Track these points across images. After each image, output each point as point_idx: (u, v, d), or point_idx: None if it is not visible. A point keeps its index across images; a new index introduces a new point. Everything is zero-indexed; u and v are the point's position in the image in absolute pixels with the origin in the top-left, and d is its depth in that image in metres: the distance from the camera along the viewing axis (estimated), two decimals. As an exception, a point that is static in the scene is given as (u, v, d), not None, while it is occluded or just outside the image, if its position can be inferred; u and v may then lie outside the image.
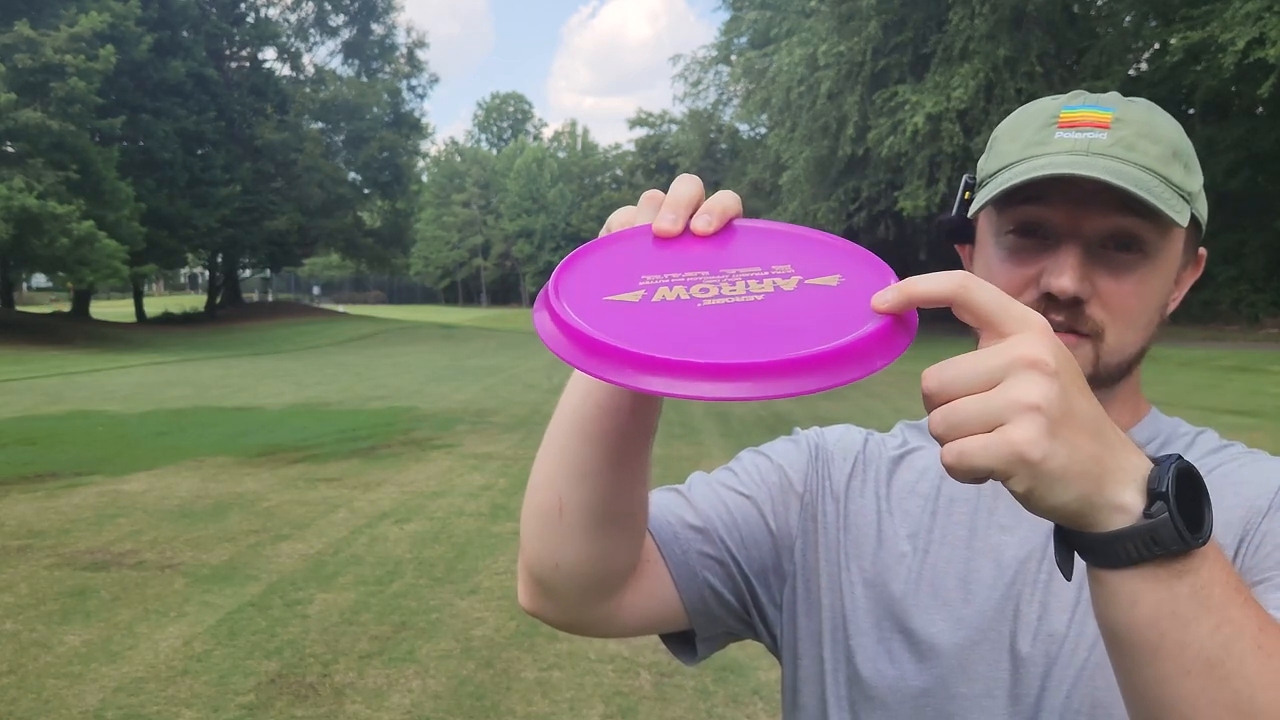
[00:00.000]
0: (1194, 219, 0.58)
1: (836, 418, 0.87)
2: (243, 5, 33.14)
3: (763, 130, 31.68)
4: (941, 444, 0.38)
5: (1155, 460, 0.40)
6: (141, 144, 26.09)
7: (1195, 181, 0.58)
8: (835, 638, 0.63)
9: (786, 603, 0.66)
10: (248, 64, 33.76)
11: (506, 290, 78.00)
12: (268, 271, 46.22)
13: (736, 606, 0.66)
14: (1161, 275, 0.58)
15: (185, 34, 27.99)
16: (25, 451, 7.39)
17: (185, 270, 59.31)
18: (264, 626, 3.34)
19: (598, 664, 2.97)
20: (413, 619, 3.43)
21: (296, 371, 16.21)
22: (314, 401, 11.28)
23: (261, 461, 6.89)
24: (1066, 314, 0.56)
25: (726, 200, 0.47)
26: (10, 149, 20.71)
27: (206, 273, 39.71)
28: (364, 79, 36.93)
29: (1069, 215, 0.56)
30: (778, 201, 26.78)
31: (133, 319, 31.59)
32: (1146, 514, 0.38)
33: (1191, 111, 20.76)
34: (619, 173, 68.44)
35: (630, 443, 0.54)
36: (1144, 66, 21.67)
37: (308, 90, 34.67)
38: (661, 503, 0.65)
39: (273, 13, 35.06)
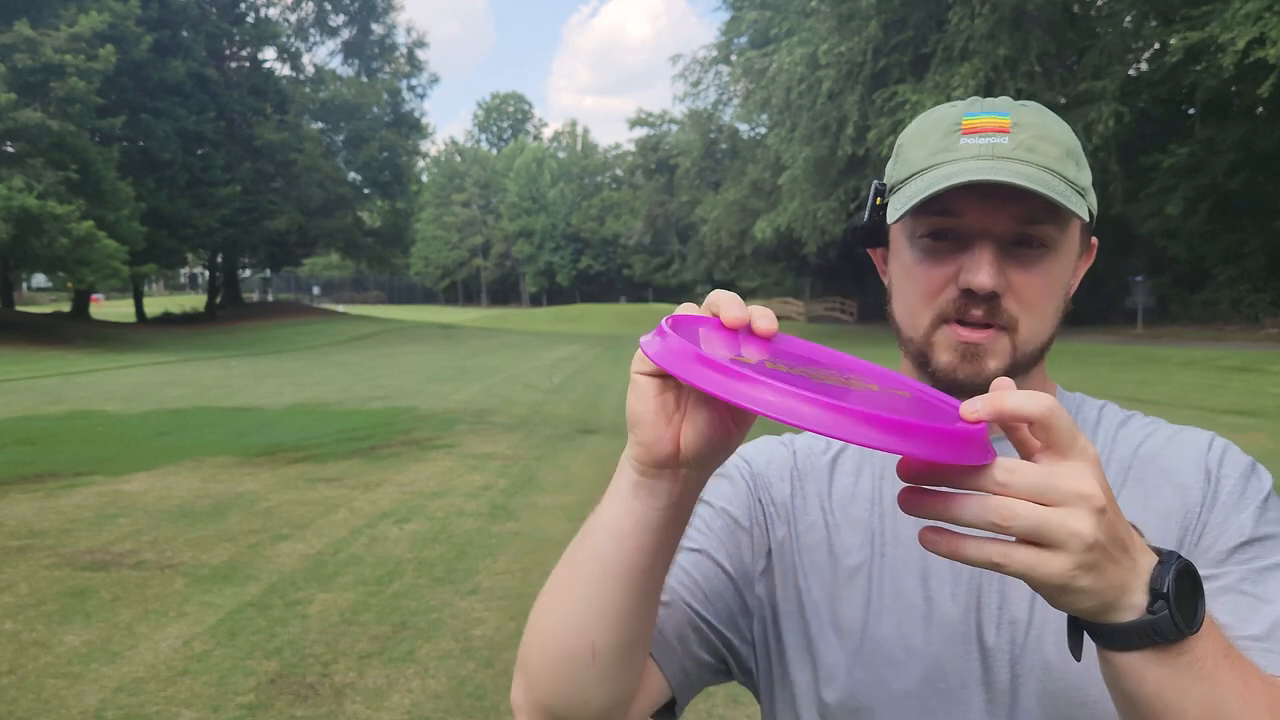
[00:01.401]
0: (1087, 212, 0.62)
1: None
2: (243, 5, 33.14)
3: (763, 130, 31.68)
4: (977, 524, 0.41)
5: (1160, 557, 0.44)
6: (141, 144, 26.09)
7: (1086, 177, 0.62)
8: (806, 656, 0.64)
9: (758, 637, 0.67)
10: (248, 64, 33.76)
11: (506, 290, 77.98)
12: (268, 271, 46.25)
13: (713, 662, 0.66)
14: (1063, 266, 0.62)
15: (185, 34, 27.99)
16: (25, 451, 7.38)
17: (185, 270, 59.31)
18: (264, 626, 3.34)
19: (598, 664, 2.97)
20: (413, 619, 3.43)
21: (296, 371, 16.21)
22: (314, 401, 11.28)
23: (261, 461, 6.89)
24: (985, 308, 0.59)
25: (772, 312, 0.50)
26: (10, 149, 20.70)
27: (206, 273, 39.70)
28: (364, 79, 36.94)
29: (981, 216, 0.59)
30: (777, 201, 26.79)
31: (133, 319, 31.60)
32: (1150, 610, 0.43)
33: (1191, 111, 20.76)
34: (619, 173, 68.46)
35: (661, 574, 0.55)
36: (1144, 66, 21.66)
37: (308, 90, 34.67)
38: None
39: (273, 12, 35.09)
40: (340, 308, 45.59)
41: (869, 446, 0.38)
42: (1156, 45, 20.28)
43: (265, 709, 2.66)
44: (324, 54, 64.97)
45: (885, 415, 0.38)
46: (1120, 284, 21.85)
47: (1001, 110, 0.61)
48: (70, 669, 2.95)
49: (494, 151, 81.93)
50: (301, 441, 7.89)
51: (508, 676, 2.89)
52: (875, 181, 0.67)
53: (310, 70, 36.83)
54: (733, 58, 33.63)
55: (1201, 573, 0.50)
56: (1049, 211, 0.58)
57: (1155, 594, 0.43)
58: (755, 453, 0.70)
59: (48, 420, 9.37)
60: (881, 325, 28.13)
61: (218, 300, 35.83)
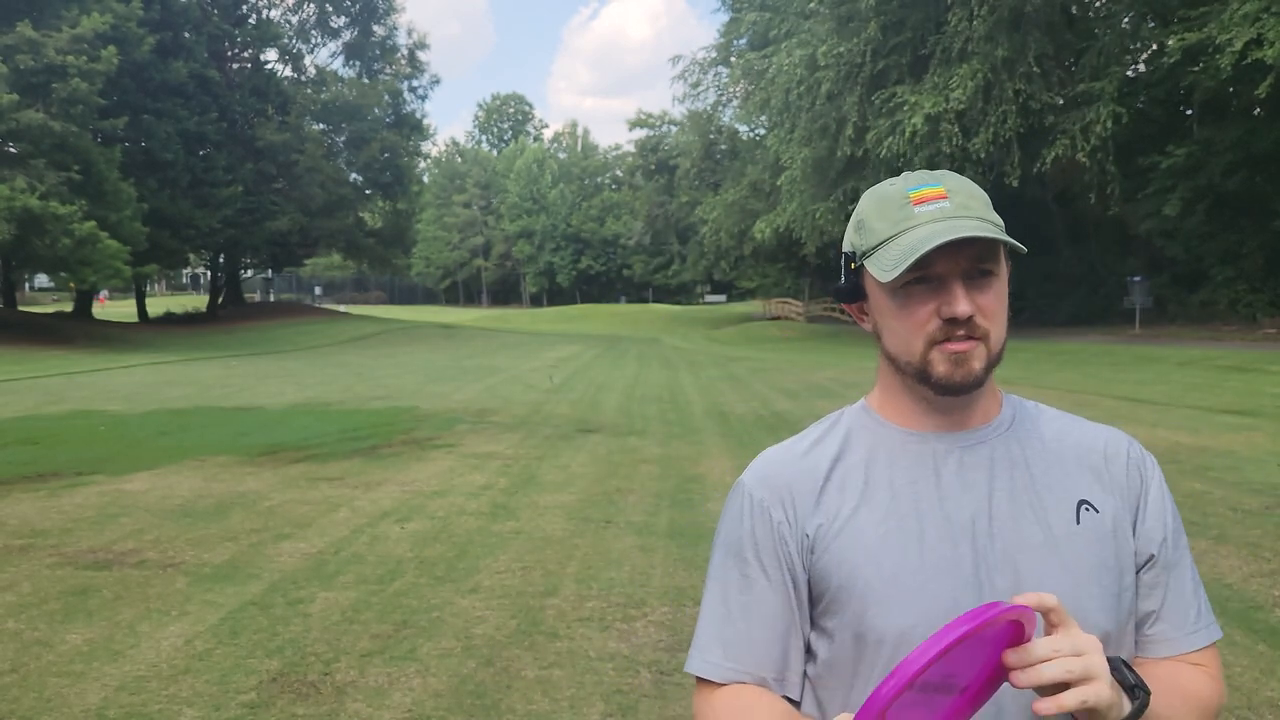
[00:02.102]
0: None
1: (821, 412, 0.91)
2: (244, 7, 33.17)
3: (762, 131, 31.71)
4: (1055, 681, 0.64)
5: (1124, 684, 0.69)
6: (143, 144, 26.11)
7: (998, 219, 0.80)
8: (849, 611, 0.79)
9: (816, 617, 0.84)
10: (249, 65, 33.78)
11: (507, 290, 77.95)
12: (269, 272, 46.23)
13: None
14: (1005, 285, 0.80)
15: (187, 35, 28.02)
16: (27, 451, 7.41)
17: (187, 271, 59.33)
18: (265, 625, 3.36)
19: (598, 662, 2.99)
20: (414, 618, 3.45)
21: (298, 371, 16.23)
22: (315, 401, 11.30)
23: (263, 461, 6.91)
24: (965, 328, 0.77)
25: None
26: (12, 150, 20.73)
27: (208, 273, 39.74)
28: (365, 80, 36.95)
29: (947, 263, 0.76)
30: (777, 202, 26.80)
31: (135, 319, 31.63)
32: (1134, 702, 0.69)
33: (1189, 112, 20.76)
34: (619, 173, 68.40)
35: None
36: (1142, 67, 21.66)
37: (309, 91, 34.69)
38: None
39: (274, 14, 35.11)
40: (342, 308, 45.60)
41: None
42: (1154, 46, 20.29)
43: (267, 707, 2.68)
44: (325, 55, 65.10)
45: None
46: (1118, 284, 21.85)
47: (934, 181, 0.79)
48: (72, 667, 2.96)
49: (494, 152, 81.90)
50: (303, 441, 7.92)
51: (508, 675, 2.92)
52: (845, 252, 0.84)
53: (312, 71, 36.87)
54: (732, 59, 33.64)
55: (1150, 550, 0.80)
56: (992, 249, 0.77)
57: (1130, 690, 0.69)
58: (769, 493, 0.84)
59: (50, 420, 9.40)
60: (881, 326, 28.17)
61: (219, 300, 35.85)
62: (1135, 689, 0.69)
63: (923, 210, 0.77)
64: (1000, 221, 0.79)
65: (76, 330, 25.14)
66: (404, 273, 59.69)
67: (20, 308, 30.43)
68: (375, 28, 37.33)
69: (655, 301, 63.59)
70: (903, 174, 0.82)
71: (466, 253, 75.18)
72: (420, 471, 6.47)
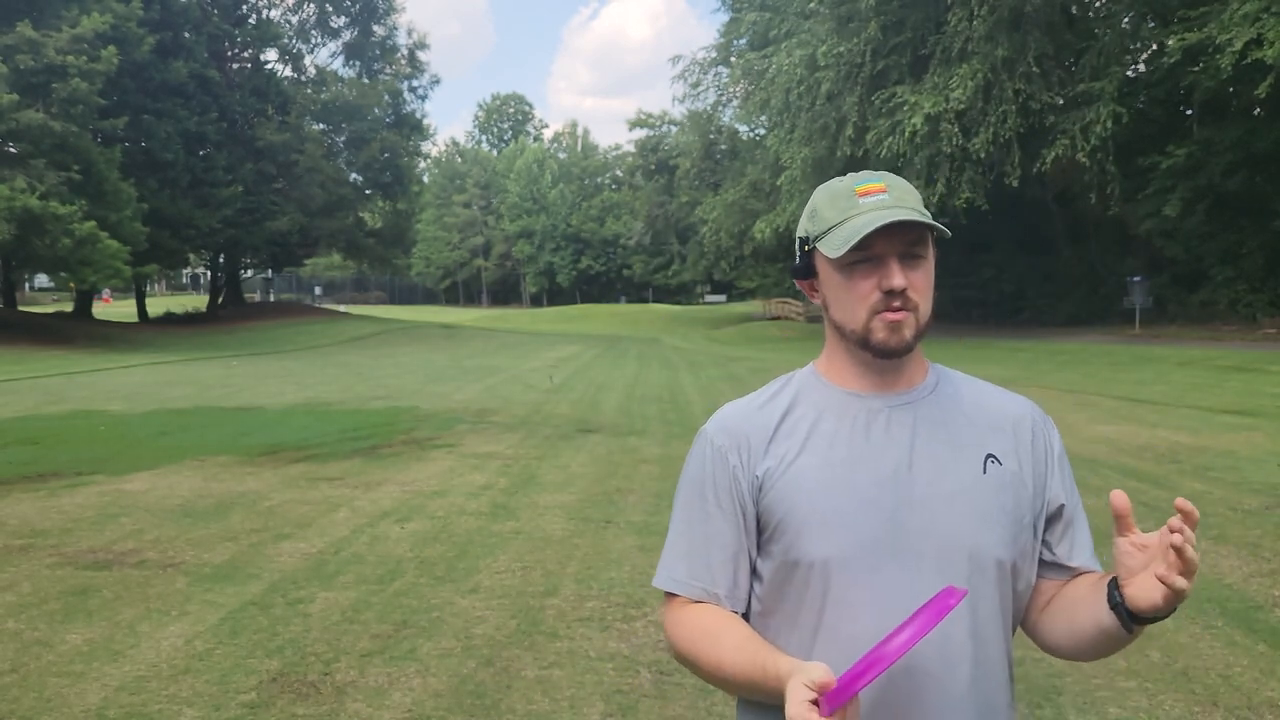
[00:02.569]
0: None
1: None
2: (244, 7, 33.16)
3: (762, 131, 31.69)
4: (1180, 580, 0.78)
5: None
6: (143, 144, 26.10)
7: (927, 213, 0.94)
8: (787, 539, 0.94)
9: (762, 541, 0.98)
10: (249, 65, 33.78)
11: (507, 290, 77.95)
12: (269, 272, 46.22)
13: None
14: (932, 267, 0.95)
15: (187, 35, 28.01)
16: (27, 451, 7.41)
17: (187, 271, 59.33)
18: (265, 625, 3.36)
19: (598, 662, 2.99)
20: (414, 618, 3.45)
21: (298, 371, 16.24)
22: (315, 401, 11.31)
23: (263, 461, 6.91)
24: (900, 299, 0.91)
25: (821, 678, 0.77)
26: (12, 150, 20.72)
27: (208, 273, 39.75)
28: (365, 80, 36.94)
29: (885, 245, 0.91)
30: (777, 202, 26.79)
31: (135, 319, 31.63)
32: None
33: (1189, 112, 20.75)
34: (619, 173, 68.38)
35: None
36: (1142, 67, 21.66)
37: (309, 91, 34.69)
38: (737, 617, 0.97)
39: (274, 14, 35.10)
40: (342, 308, 45.60)
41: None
42: (1154, 46, 20.28)
43: (267, 707, 2.68)
44: (325, 55, 65.08)
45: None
46: (1118, 284, 21.85)
47: (876, 178, 0.94)
48: (72, 667, 2.96)
49: (495, 152, 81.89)
50: (303, 441, 7.92)
51: (508, 674, 2.92)
52: (799, 237, 0.99)
53: (312, 71, 36.86)
54: (732, 59, 33.62)
55: (1061, 500, 0.98)
56: (923, 237, 0.93)
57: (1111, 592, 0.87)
58: (727, 440, 0.98)
59: (50, 420, 9.40)
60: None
61: (219, 300, 35.86)
62: (1111, 586, 0.87)
63: (866, 201, 0.92)
64: (929, 216, 0.93)
65: (76, 330, 25.15)
66: (404, 273, 59.74)
67: (20, 308, 30.43)
68: (375, 28, 37.32)
69: (655, 301, 63.59)
70: (851, 173, 0.97)
71: (466, 253, 75.17)
72: (420, 471, 6.47)
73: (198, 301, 40.81)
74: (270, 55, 34.70)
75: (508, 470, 6.53)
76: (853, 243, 0.88)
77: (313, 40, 37.18)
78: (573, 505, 5.35)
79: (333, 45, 38.21)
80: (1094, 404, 10.11)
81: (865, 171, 0.96)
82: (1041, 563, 0.97)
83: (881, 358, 0.94)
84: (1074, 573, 0.97)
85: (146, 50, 23.37)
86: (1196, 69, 16.94)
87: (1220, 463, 6.32)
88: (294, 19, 36.11)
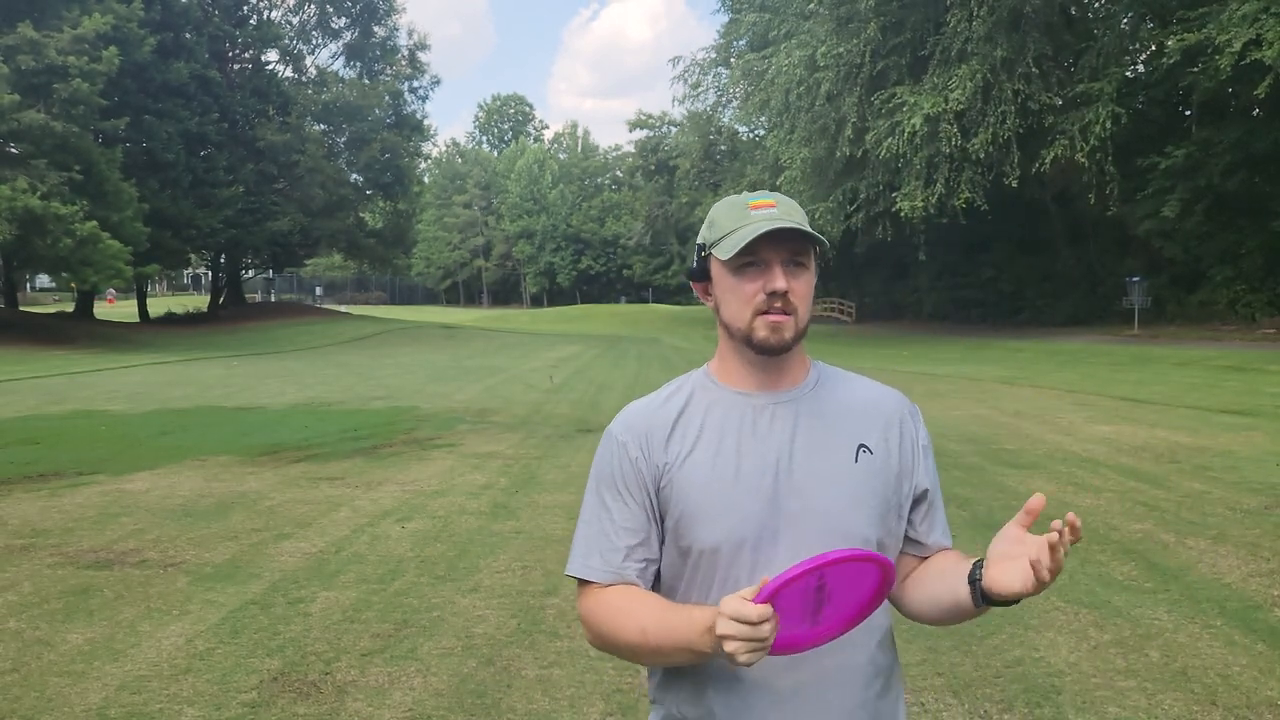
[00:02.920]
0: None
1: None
2: (245, 8, 33.18)
3: (761, 132, 31.70)
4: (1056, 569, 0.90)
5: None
6: (144, 145, 26.12)
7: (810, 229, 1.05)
8: (682, 528, 1.03)
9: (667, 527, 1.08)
10: (250, 66, 33.80)
11: (507, 291, 77.95)
12: (270, 272, 46.21)
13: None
14: (813, 276, 1.05)
15: (188, 36, 28.03)
16: (29, 451, 7.42)
17: (188, 271, 59.35)
18: (266, 625, 3.36)
19: (598, 662, 3.00)
20: (414, 617, 3.45)
21: (299, 371, 16.24)
22: (316, 401, 11.31)
23: (264, 461, 6.92)
24: (781, 301, 1.01)
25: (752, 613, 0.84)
26: (14, 150, 20.74)
27: (209, 273, 39.75)
28: (366, 81, 36.95)
29: (770, 252, 1.01)
30: (778, 202, 26.72)
31: (136, 319, 31.65)
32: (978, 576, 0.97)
33: (1188, 113, 20.75)
34: (619, 174, 68.38)
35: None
36: (1141, 68, 21.66)
37: (310, 92, 34.70)
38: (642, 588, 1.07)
39: (275, 15, 35.12)
40: (342, 308, 45.60)
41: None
42: (1153, 47, 20.28)
43: (267, 706, 2.68)
44: (326, 56, 64.97)
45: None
46: (1117, 284, 21.85)
47: (769, 196, 1.05)
48: (73, 667, 2.97)
49: (495, 153, 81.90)
50: (304, 441, 7.93)
51: (509, 674, 2.93)
52: (698, 244, 1.09)
53: (313, 72, 36.88)
54: (732, 60, 33.63)
55: (923, 482, 1.08)
56: (805, 249, 1.03)
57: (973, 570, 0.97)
58: (630, 436, 1.08)
59: (51, 420, 9.41)
60: (879, 325, 27.79)
61: (220, 301, 35.87)
62: (976, 565, 0.97)
63: (756, 213, 1.02)
64: (812, 231, 1.05)
65: (78, 330, 25.16)
66: (404, 273, 59.71)
67: (22, 308, 30.44)
68: (376, 29, 37.34)
69: (655, 302, 63.58)
70: (747, 192, 1.09)
71: (467, 253, 75.17)
72: (421, 471, 6.48)
73: (199, 302, 40.83)
74: (271, 56, 34.75)
75: (508, 470, 6.53)
76: (741, 245, 0.99)
77: (313, 41, 37.23)
78: (573, 505, 5.37)
79: (333, 46, 38.27)
80: (1093, 404, 10.11)
81: (760, 191, 1.08)
82: (905, 539, 1.08)
83: (763, 354, 1.03)
84: (931, 550, 1.09)
85: (147, 51, 23.39)
86: (1195, 69, 16.94)
87: (1219, 463, 6.32)
88: (295, 20, 36.15)
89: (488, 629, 3.33)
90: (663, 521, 1.05)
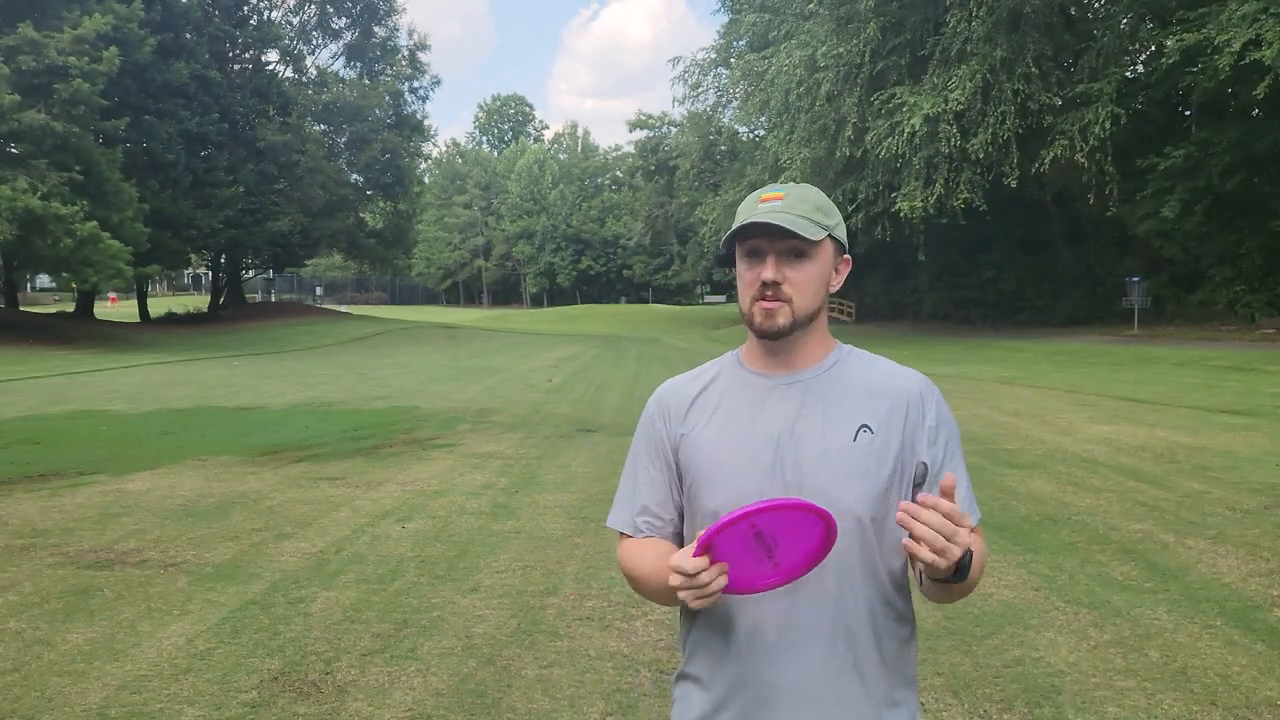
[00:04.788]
0: (834, 239, 1.12)
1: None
2: (245, 8, 33.18)
3: (761, 132, 31.70)
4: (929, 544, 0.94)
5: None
6: (145, 145, 26.12)
7: (833, 219, 1.12)
8: (692, 493, 1.14)
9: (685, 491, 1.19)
10: (250, 66, 33.80)
11: (508, 291, 77.94)
12: (270, 272, 46.23)
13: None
14: (819, 267, 1.10)
15: (188, 36, 28.02)
16: (29, 451, 7.42)
17: (189, 271, 59.34)
18: (266, 624, 3.36)
19: (598, 661, 3.00)
20: (414, 617, 3.46)
21: (299, 371, 16.25)
22: (316, 401, 11.32)
23: (264, 461, 6.92)
24: (773, 290, 1.08)
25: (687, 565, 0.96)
26: (14, 150, 20.74)
27: (210, 273, 39.74)
28: (366, 81, 36.95)
29: (766, 242, 1.08)
30: (778, 203, 26.72)
31: (136, 319, 31.65)
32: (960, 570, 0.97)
33: (1188, 113, 20.74)
34: (619, 174, 68.38)
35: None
36: (1140, 68, 21.65)
37: (310, 92, 34.69)
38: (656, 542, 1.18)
39: (275, 15, 35.12)
40: (343, 308, 45.61)
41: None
42: (1153, 47, 20.27)
43: (268, 706, 2.68)
44: (326, 56, 65.00)
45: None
46: (1117, 284, 21.85)
47: (780, 189, 1.11)
48: (74, 667, 2.97)
49: (495, 153, 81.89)
50: (304, 441, 7.93)
51: (508, 674, 2.93)
52: (726, 235, 1.14)
53: (313, 72, 36.88)
54: (732, 60, 33.64)
55: (921, 462, 1.10)
56: (800, 237, 1.06)
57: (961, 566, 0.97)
58: (657, 409, 1.20)
59: (52, 420, 9.42)
60: (879, 325, 27.80)
61: (221, 301, 35.87)
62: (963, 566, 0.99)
63: (762, 206, 1.08)
64: (827, 222, 1.10)
65: (78, 330, 25.17)
66: (405, 273, 59.66)
67: (22, 308, 30.43)
68: (376, 29, 37.34)
69: (655, 302, 63.60)
70: (767, 185, 1.15)
71: (467, 253, 75.17)
72: (421, 471, 6.48)
73: (199, 302, 40.83)
74: (271, 56, 34.75)
75: (508, 470, 6.54)
76: (729, 233, 1.09)
77: (314, 41, 37.22)
78: (573, 505, 5.36)
79: (334, 46, 38.27)
80: (1092, 404, 10.11)
81: (774, 184, 1.14)
82: None
83: (761, 339, 1.12)
84: None
85: (148, 51, 23.39)
86: (1195, 70, 16.93)
87: (1218, 462, 6.32)
88: (295, 20, 36.15)
89: (488, 629, 3.33)
90: (682, 484, 1.16)
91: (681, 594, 0.95)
